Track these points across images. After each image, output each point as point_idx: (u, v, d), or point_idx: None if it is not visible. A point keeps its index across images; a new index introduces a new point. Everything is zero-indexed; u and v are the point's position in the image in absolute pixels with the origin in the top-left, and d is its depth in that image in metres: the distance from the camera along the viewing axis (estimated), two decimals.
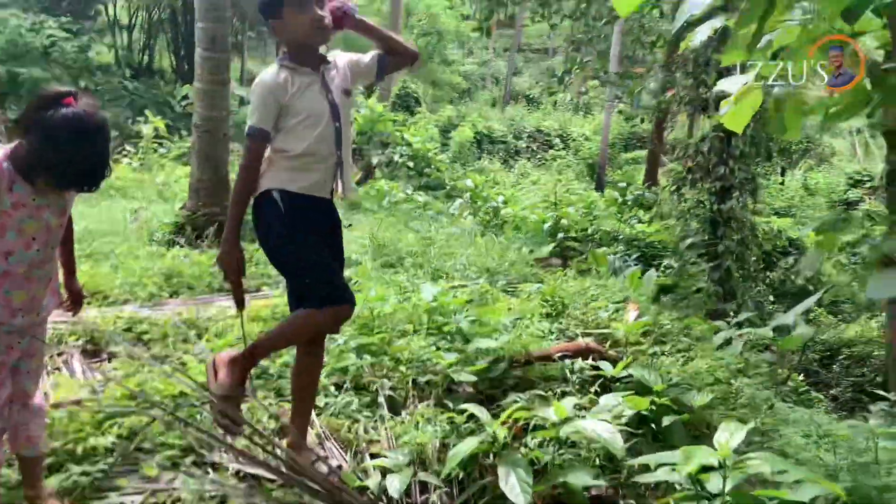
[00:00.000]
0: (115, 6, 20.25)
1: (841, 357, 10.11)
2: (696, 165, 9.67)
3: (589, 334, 4.34)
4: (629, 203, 12.59)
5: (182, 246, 6.64)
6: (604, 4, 11.02)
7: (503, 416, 2.81)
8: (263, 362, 3.50)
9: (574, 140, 21.96)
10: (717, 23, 3.37)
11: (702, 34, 3.31)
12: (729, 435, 2.42)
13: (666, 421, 3.37)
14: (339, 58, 2.75)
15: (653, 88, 12.59)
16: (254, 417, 3.05)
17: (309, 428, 2.94)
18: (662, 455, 2.46)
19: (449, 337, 3.80)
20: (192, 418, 3.00)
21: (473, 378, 3.26)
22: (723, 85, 3.35)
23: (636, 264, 11.09)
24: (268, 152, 2.58)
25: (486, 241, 7.24)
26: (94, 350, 4.00)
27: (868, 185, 16.21)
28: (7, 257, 2.21)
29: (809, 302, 2.53)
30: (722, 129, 9.34)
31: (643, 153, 21.09)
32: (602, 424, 2.70)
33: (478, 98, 25.85)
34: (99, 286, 5.02)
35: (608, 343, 4.37)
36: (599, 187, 17.54)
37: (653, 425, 3.41)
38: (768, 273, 12.22)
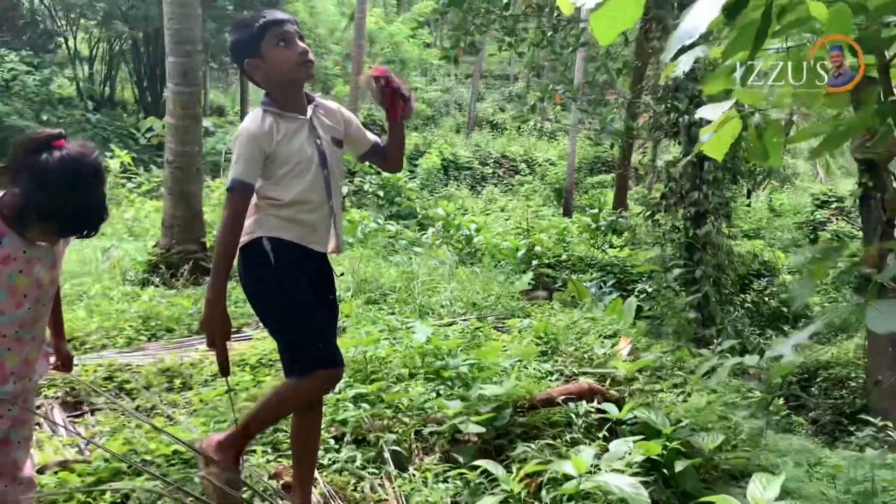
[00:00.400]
0: (75, 38, 19.91)
1: (819, 380, 10.20)
2: (670, 191, 9.72)
3: (587, 373, 4.24)
4: (602, 229, 12.63)
5: (157, 285, 6.43)
6: (569, 33, 11.12)
7: (520, 472, 2.69)
8: None
9: (540, 165, 22.08)
10: (699, 52, 3.37)
11: (685, 64, 3.31)
12: (762, 487, 2.34)
13: (679, 466, 3.28)
14: (332, 105, 2.57)
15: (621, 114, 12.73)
16: (251, 478, 2.88)
17: (312, 487, 2.78)
18: None
19: (449, 382, 3.67)
20: (187, 481, 2.81)
21: (482, 429, 3.13)
22: (703, 112, 3.36)
23: (612, 290, 11.13)
24: (255, 199, 2.37)
25: (467, 274, 7.13)
26: (74, 402, 3.80)
27: (834, 205, 16.52)
28: None
29: (808, 332, 2.49)
30: (695, 154, 9.46)
31: (608, 177, 21.31)
32: (624, 479, 2.60)
33: (442, 124, 25.90)
34: (74, 331, 4.80)
35: (607, 381, 4.28)
36: (567, 212, 17.63)
37: (664, 470, 3.32)
38: (743, 296, 12.33)
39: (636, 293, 10.88)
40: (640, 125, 10.59)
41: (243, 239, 2.38)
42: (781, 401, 7.43)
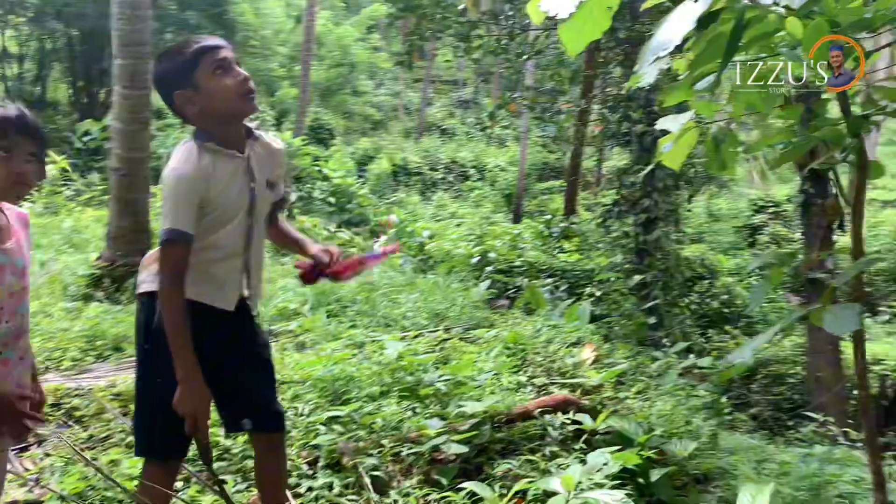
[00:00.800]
0: (3, 36, 19.07)
1: (759, 377, 10.43)
2: (623, 198, 9.85)
3: (560, 384, 4.19)
4: (555, 235, 12.71)
5: (101, 301, 6.12)
6: (525, 41, 11.14)
7: (508, 492, 2.60)
8: (224, 441, 3.16)
9: (490, 171, 22.14)
10: (663, 64, 3.39)
11: (649, 76, 3.34)
12: (752, 499, 2.31)
13: (654, 475, 3.26)
14: (274, 144, 2.28)
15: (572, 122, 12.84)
16: None
17: None
18: None
19: (425, 401, 3.55)
20: None
21: (465, 449, 3.03)
22: (664, 124, 3.43)
23: (565, 295, 11.19)
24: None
25: (427, 284, 7.03)
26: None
27: (771, 210, 16.99)
28: None
29: (768, 336, 2.52)
30: (645, 162, 9.60)
31: (557, 183, 21.48)
32: (612, 494, 2.54)
33: (391, 129, 25.76)
34: None
35: (577, 391, 4.24)
36: (517, 218, 17.69)
37: (640, 480, 3.29)
38: (686, 298, 12.57)
39: (585, 296, 10.98)
40: (594, 133, 10.68)
41: (142, 287, 2.15)
42: (724, 398, 7.60)
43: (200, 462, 2.14)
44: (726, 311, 12.95)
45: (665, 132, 3.47)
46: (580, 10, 2.18)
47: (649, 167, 6.66)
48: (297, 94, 17.58)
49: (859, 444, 6.07)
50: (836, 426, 6.41)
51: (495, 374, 3.98)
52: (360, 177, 18.47)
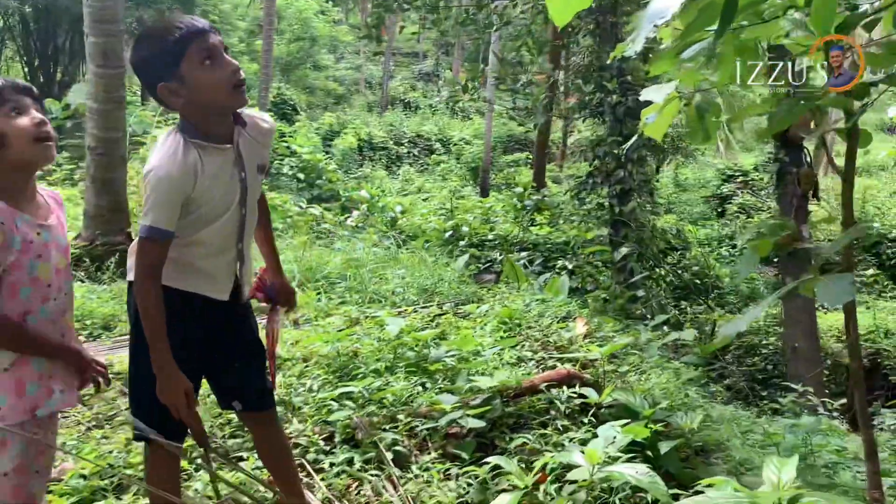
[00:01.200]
0: None
1: (733, 347, 10.68)
2: (596, 169, 9.91)
3: (559, 359, 4.26)
4: (528, 208, 12.79)
5: (83, 281, 6.02)
6: (493, 12, 11.07)
7: (530, 466, 2.65)
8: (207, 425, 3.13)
9: (455, 144, 22.08)
10: (650, 32, 3.45)
11: (637, 44, 3.40)
12: (777, 471, 2.39)
13: (663, 448, 3.33)
14: (264, 124, 2.17)
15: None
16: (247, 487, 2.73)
17: (311, 494, 2.66)
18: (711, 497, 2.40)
19: (436, 376, 3.59)
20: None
21: (482, 423, 3.07)
22: (648, 94, 3.48)
23: (541, 268, 11.30)
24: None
25: (413, 260, 7.04)
26: None
27: (739, 179, 17.27)
28: (26, 318, 1.82)
29: (761, 309, 2.59)
30: (618, 133, 9.68)
31: (523, 155, 21.54)
32: (637, 467, 2.61)
33: (353, 104, 25.47)
34: None
35: (577, 365, 4.31)
36: (484, 191, 17.71)
37: (648, 452, 3.37)
38: (661, 269, 12.79)
39: (559, 269, 11.10)
40: (568, 104, 10.70)
41: (130, 274, 2.06)
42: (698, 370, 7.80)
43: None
44: (698, 282, 13.23)
45: (647, 103, 3.54)
46: None
47: (633, 138, 6.73)
48: (258, 69, 17.26)
49: (836, 414, 6.32)
50: (814, 396, 6.63)
51: (500, 350, 4.02)
52: (325, 153, 18.30)
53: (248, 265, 2.21)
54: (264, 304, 2.40)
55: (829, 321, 10.61)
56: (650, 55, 3.19)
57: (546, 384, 3.69)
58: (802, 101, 4.04)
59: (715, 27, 3.03)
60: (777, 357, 9.87)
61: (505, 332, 4.68)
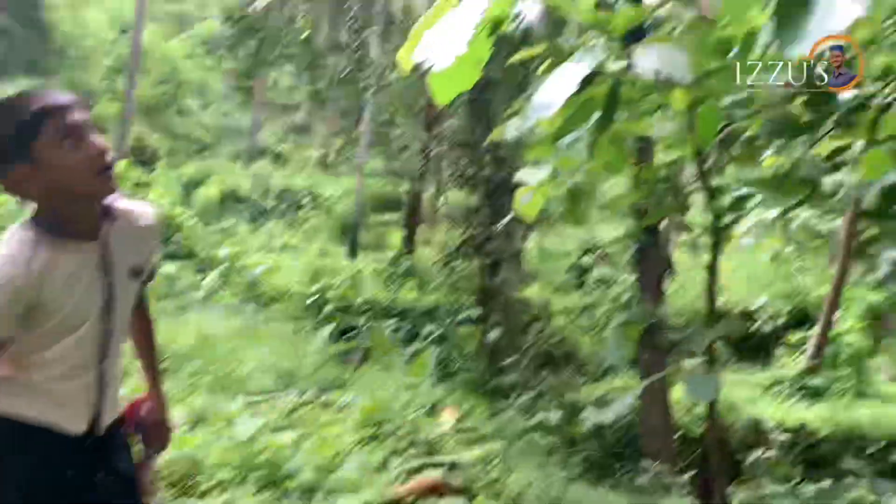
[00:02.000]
0: None
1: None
2: (470, 238, 9.93)
3: (428, 464, 3.97)
4: (399, 273, 12.56)
5: None
6: (373, 75, 11.00)
7: None
8: None
9: (326, 200, 21.63)
10: (529, 122, 3.43)
11: (511, 130, 3.41)
12: None
13: None
14: (144, 218, 1.82)
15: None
16: None
17: None
18: None
19: (292, 493, 3.17)
20: None
21: None
22: (523, 176, 3.49)
23: (407, 335, 11.05)
24: None
25: (272, 332, 6.56)
26: None
27: (598, 251, 17.87)
28: None
29: (625, 404, 2.51)
30: (489, 205, 9.76)
31: (395, 216, 21.37)
32: None
33: (219, 153, 24.46)
34: None
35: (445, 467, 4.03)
36: (353, 252, 17.30)
37: None
38: (524, 340, 12.86)
39: (426, 336, 10.90)
40: (442, 173, 10.74)
41: None
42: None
43: None
44: (555, 354, 13.42)
45: (516, 183, 3.56)
46: (454, 63, 2.17)
47: (507, 218, 6.74)
48: (119, 109, 16.25)
49: (686, 491, 6.45)
50: (667, 475, 6.73)
51: (361, 456, 3.66)
52: (186, 204, 17.31)
53: (114, 390, 1.79)
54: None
55: (680, 392, 10.96)
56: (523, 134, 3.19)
57: (413, 497, 3.39)
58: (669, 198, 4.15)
59: (592, 120, 3.03)
60: (633, 430, 10.04)
61: (371, 426, 4.33)
